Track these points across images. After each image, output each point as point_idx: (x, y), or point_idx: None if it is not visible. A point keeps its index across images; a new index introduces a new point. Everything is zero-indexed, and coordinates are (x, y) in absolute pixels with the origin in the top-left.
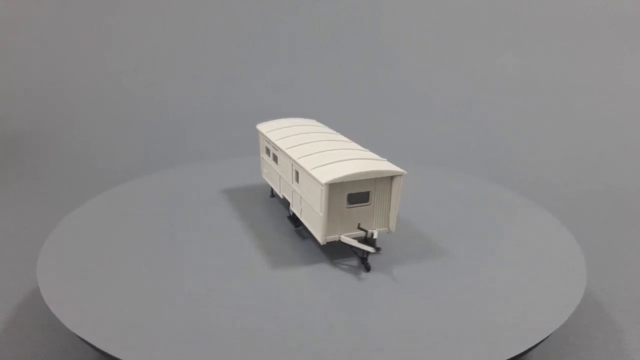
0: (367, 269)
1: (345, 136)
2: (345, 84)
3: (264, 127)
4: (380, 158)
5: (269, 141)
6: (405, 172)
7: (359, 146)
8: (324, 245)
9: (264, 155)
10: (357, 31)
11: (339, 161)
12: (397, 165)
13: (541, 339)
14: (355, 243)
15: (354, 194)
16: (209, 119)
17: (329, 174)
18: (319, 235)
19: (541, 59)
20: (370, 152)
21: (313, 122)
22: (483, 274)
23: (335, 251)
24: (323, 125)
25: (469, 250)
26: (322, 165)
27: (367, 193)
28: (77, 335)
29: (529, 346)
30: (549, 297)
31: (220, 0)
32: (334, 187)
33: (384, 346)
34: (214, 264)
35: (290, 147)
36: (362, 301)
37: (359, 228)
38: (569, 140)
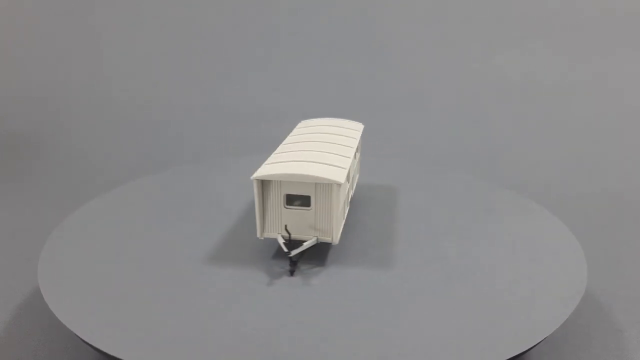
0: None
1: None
2: (343, 84)
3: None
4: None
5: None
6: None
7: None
8: None
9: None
10: (356, 31)
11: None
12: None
13: (540, 339)
14: None
15: None
16: (209, 119)
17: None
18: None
19: (541, 59)
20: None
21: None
22: (482, 274)
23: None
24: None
25: (468, 250)
26: None
27: None
28: (77, 336)
29: (529, 346)
30: (549, 296)
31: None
32: None
33: (383, 348)
34: (215, 264)
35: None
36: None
37: None
38: (569, 140)
